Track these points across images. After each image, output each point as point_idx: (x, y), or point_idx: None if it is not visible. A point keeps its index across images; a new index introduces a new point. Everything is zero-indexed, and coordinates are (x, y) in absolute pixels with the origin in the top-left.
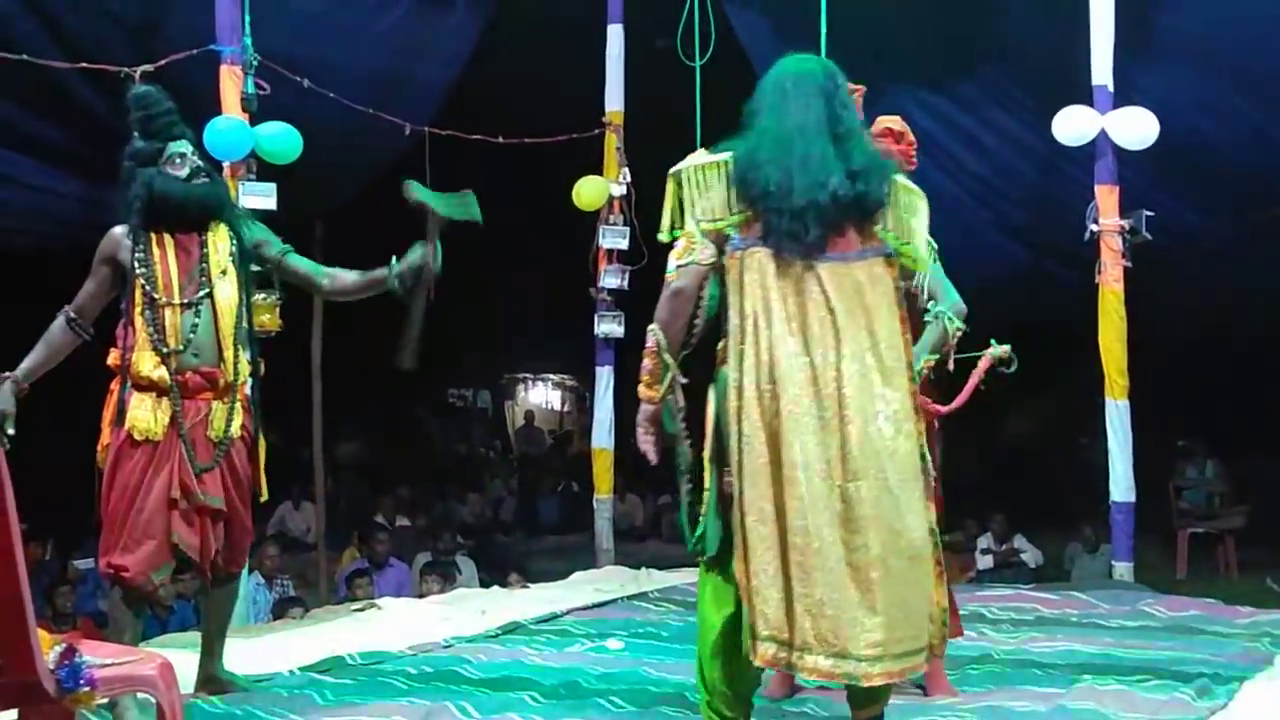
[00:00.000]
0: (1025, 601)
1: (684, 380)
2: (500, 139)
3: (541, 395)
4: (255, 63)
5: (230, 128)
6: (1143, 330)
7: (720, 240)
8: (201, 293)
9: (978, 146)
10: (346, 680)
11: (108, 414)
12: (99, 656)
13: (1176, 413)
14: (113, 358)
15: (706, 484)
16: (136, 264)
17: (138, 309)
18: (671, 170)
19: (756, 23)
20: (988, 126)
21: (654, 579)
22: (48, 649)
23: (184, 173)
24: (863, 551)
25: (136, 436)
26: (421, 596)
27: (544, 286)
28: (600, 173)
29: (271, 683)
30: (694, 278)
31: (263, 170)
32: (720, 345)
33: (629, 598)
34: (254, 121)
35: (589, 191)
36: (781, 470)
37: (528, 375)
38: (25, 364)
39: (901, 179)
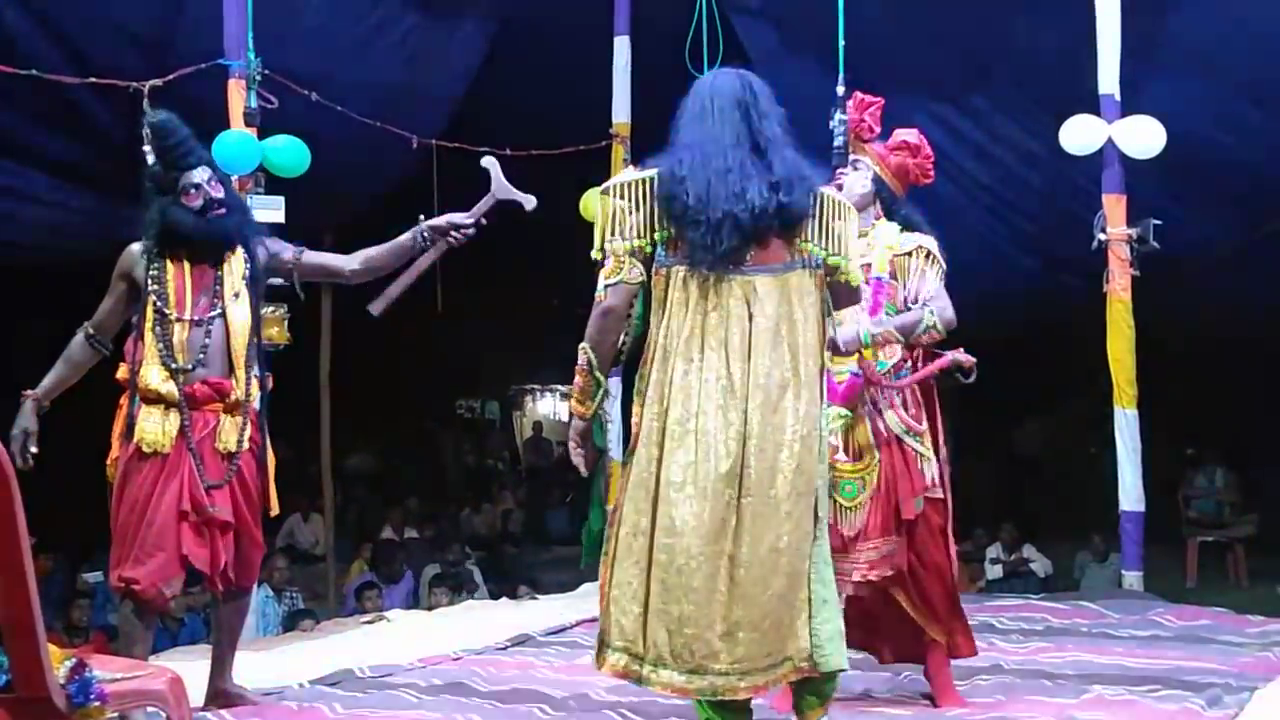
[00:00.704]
0: (1034, 611)
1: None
2: (508, 151)
3: (550, 406)
4: (258, 77)
5: (238, 141)
6: (1151, 339)
7: (647, 258)
8: (214, 312)
9: (986, 157)
10: (356, 693)
11: (117, 428)
12: (109, 671)
13: (1186, 421)
14: (122, 372)
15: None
16: (150, 281)
17: (148, 324)
18: (601, 188)
19: (763, 33)
20: (996, 137)
21: None
22: (58, 664)
23: (198, 204)
24: (744, 568)
25: (145, 449)
26: (430, 609)
27: (551, 298)
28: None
29: (281, 696)
30: (623, 296)
31: (271, 183)
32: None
33: None
34: (262, 135)
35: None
36: (659, 487)
37: (536, 386)
38: (46, 382)
39: (830, 190)
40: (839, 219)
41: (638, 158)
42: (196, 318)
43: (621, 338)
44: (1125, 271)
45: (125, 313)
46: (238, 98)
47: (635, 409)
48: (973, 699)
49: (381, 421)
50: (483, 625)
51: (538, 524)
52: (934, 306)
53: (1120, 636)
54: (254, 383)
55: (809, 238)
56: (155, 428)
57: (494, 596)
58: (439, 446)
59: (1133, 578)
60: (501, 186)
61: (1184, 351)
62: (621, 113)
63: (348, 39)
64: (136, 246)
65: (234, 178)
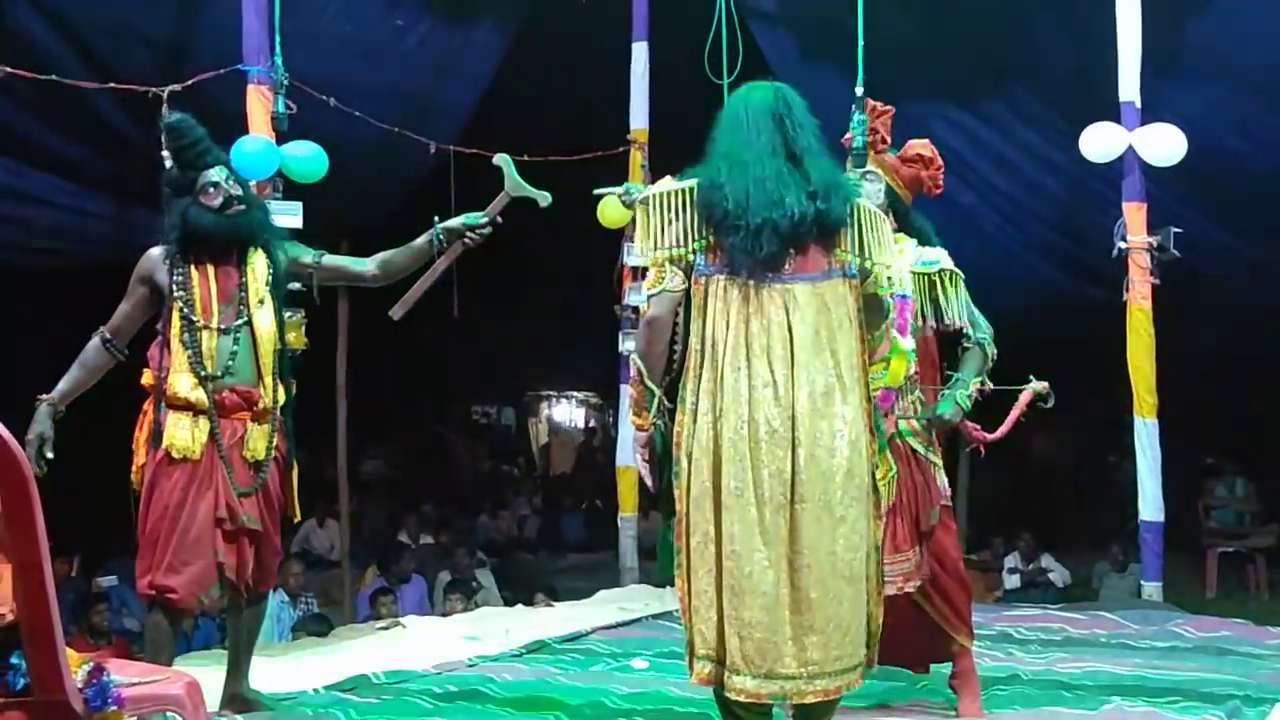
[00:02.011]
0: (1053, 621)
1: (670, 406)
2: (525, 157)
3: (565, 413)
4: (285, 82)
5: (257, 147)
6: (1171, 348)
7: (687, 267)
8: (240, 320)
9: (1006, 164)
10: (371, 699)
11: (141, 435)
12: (126, 675)
13: (1205, 431)
14: (147, 378)
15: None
16: (175, 287)
17: (175, 331)
18: (639, 198)
19: (782, 40)
20: (1015, 144)
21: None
22: (76, 668)
23: (217, 202)
24: (804, 572)
25: (175, 455)
26: (445, 615)
27: (568, 304)
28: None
29: (296, 701)
30: (667, 305)
31: (289, 189)
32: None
33: (653, 616)
34: (281, 140)
35: (613, 210)
36: (719, 495)
37: (551, 393)
38: (61, 386)
39: (864, 200)
40: (874, 229)
41: (655, 163)
42: (224, 325)
43: (671, 346)
44: (1145, 280)
45: (142, 318)
46: (256, 103)
47: (680, 417)
48: (991, 709)
49: (397, 427)
50: (498, 632)
51: (553, 530)
52: (983, 335)
53: (1139, 647)
54: (280, 390)
55: (846, 247)
56: (185, 434)
57: (509, 603)
58: (454, 452)
59: (1152, 588)
60: (515, 184)
61: (1204, 360)
62: (640, 119)
63: (365, 45)
64: (157, 251)
65: (252, 183)
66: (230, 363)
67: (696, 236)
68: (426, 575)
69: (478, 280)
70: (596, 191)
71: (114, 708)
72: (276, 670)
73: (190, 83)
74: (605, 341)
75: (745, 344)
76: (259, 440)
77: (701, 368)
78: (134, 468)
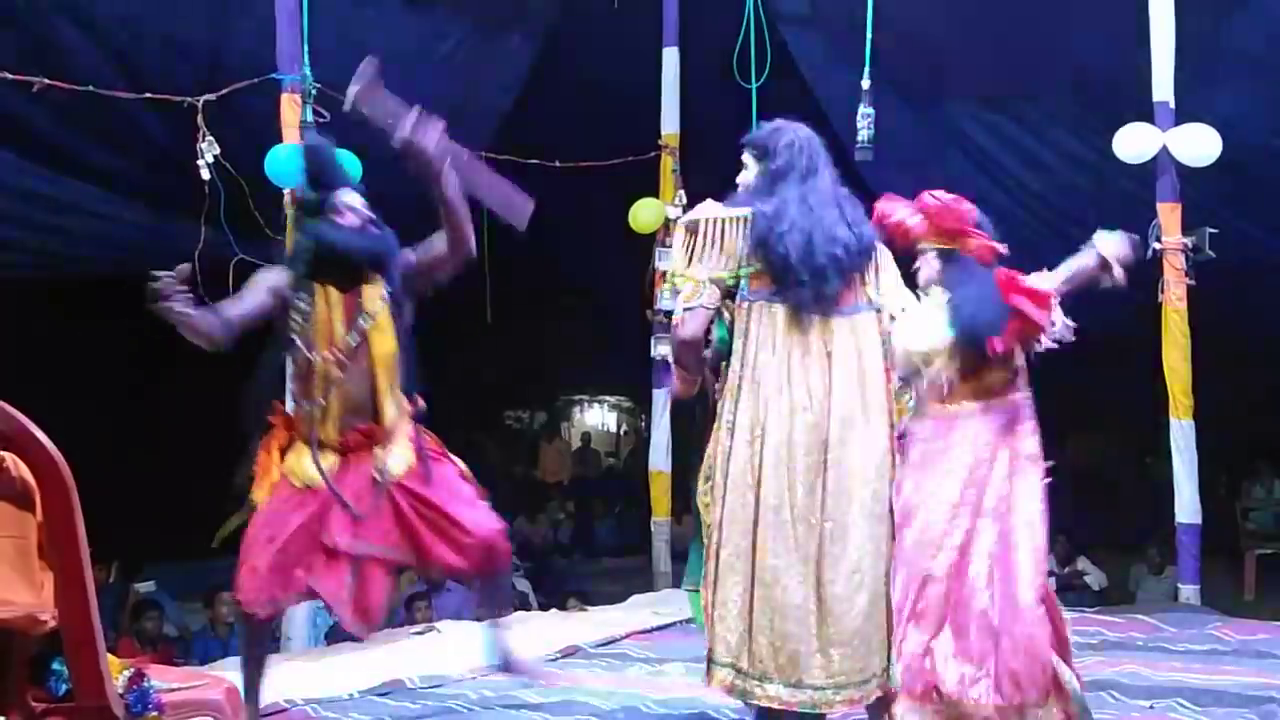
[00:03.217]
0: (1090, 625)
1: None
2: (557, 163)
3: (598, 417)
4: (314, 91)
5: (291, 154)
6: (1207, 349)
7: (727, 290)
8: (356, 346)
9: (1039, 165)
10: (407, 704)
11: (265, 457)
12: (166, 681)
13: (1243, 432)
14: (276, 411)
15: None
16: (299, 315)
17: (297, 362)
18: (684, 220)
19: (812, 44)
20: (1048, 145)
21: None
22: (116, 674)
23: (353, 223)
24: (830, 587)
25: (295, 483)
26: (480, 620)
27: (600, 309)
28: (657, 195)
29: (332, 706)
30: (700, 321)
31: None
32: (718, 388)
33: (687, 621)
34: None
35: (645, 214)
36: (758, 511)
37: (584, 397)
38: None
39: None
40: (885, 268)
41: (687, 168)
42: (341, 355)
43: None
44: (1180, 280)
45: (256, 321)
46: (290, 111)
47: (717, 433)
48: None
49: (430, 431)
50: (532, 637)
51: (586, 535)
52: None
53: (1177, 650)
54: (399, 411)
55: (868, 281)
56: (308, 466)
57: (543, 608)
58: (487, 457)
59: (1189, 591)
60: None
61: (1240, 361)
62: (670, 124)
63: (398, 53)
64: (284, 273)
65: (286, 191)
66: (348, 389)
67: (746, 264)
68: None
69: (511, 285)
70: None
71: (154, 713)
72: (312, 674)
73: (225, 91)
74: (638, 346)
75: (788, 369)
76: (386, 462)
77: (741, 389)
78: (255, 488)
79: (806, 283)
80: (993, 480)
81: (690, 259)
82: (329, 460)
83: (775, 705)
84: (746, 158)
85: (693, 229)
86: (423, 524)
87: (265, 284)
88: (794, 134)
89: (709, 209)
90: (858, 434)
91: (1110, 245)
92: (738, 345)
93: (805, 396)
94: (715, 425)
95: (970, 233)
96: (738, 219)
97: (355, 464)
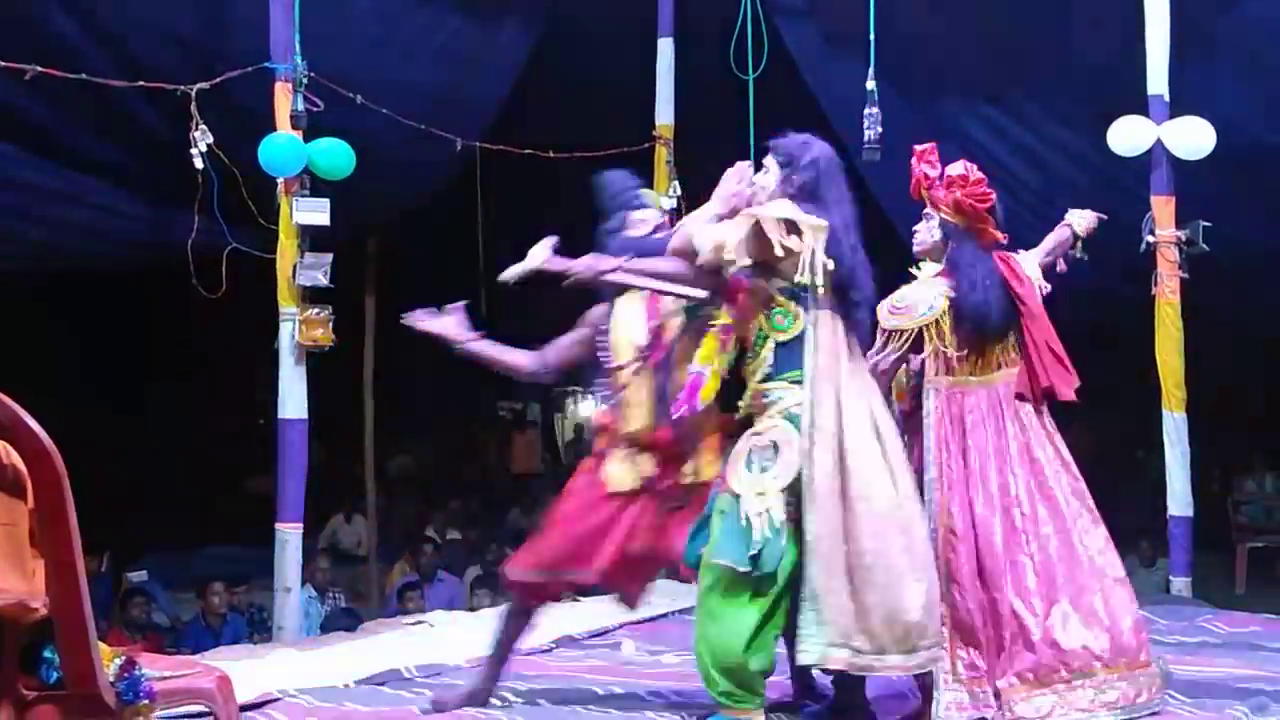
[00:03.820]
0: None
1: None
2: (551, 153)
3: (591, 409)
4: (305, 80)
5: (284, 144)
6: (1200, 342)
7: (791, 292)
8: (664, 356)
9: (1035, 160)
10: (403, 692)
11: (586, 463)
12: (158, 669)
13: (1235, 426)
14: (597, 416)
15: (767, 507)
16: (604, 328)
17: (605, 369)
18: (773, 212)
19: (808, 36)
20: (1044, 140)
21: None
22: (108, 662)
23: (644, 231)
24: (918, 556)
25: (609, 488)
26: (473, 610)
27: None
28: (651, 186)
29: (327, 695)
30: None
31: (316, 186)
32: (773, 387)
33: (680, 611)
34: (308, 138)
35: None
36: (848, 501)
37: (577, 389)
38: (482, 346)
39: None
40: None
41: (681, 159)
42: (641, 356)
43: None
44: (1174, 274)
45: (573, 352)
46: (284, 101)
47: (780, 423)
48: None
49: (424, 423)
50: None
51: None
52: None
53: (1168, 643)
54: (712, 415)
55: None
56: (621, 471)
57: None
58: (481, 448)
59: (1181, 583)
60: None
61: (1233, 355)
62: (665, 114)
63: (392, 42)
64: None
65: (279, 180)
66: (647, 391)
67: (821, 275)
68: (454, 571)
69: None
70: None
71: (145, 701)
72: (307, 664)
73: (219, 80)
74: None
75: (850, 376)
76: (696, 466)
77: (816, 391)
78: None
79: (865, 298)
80: (1009, 453)
81: (764, 251)
82: (644, 463)
83: (896, 674)
84: (770, 161)
85: (794, 229)
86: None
87: (583, 320)
88: (821, 152)
89: (783, 208)
90: (886, 424)
91: (1081, 220)
92: (809, 346)
93: (867, 391)
94: (786, 419)
95: (983, 217)
96: (819, 228)
97: (671, 469)
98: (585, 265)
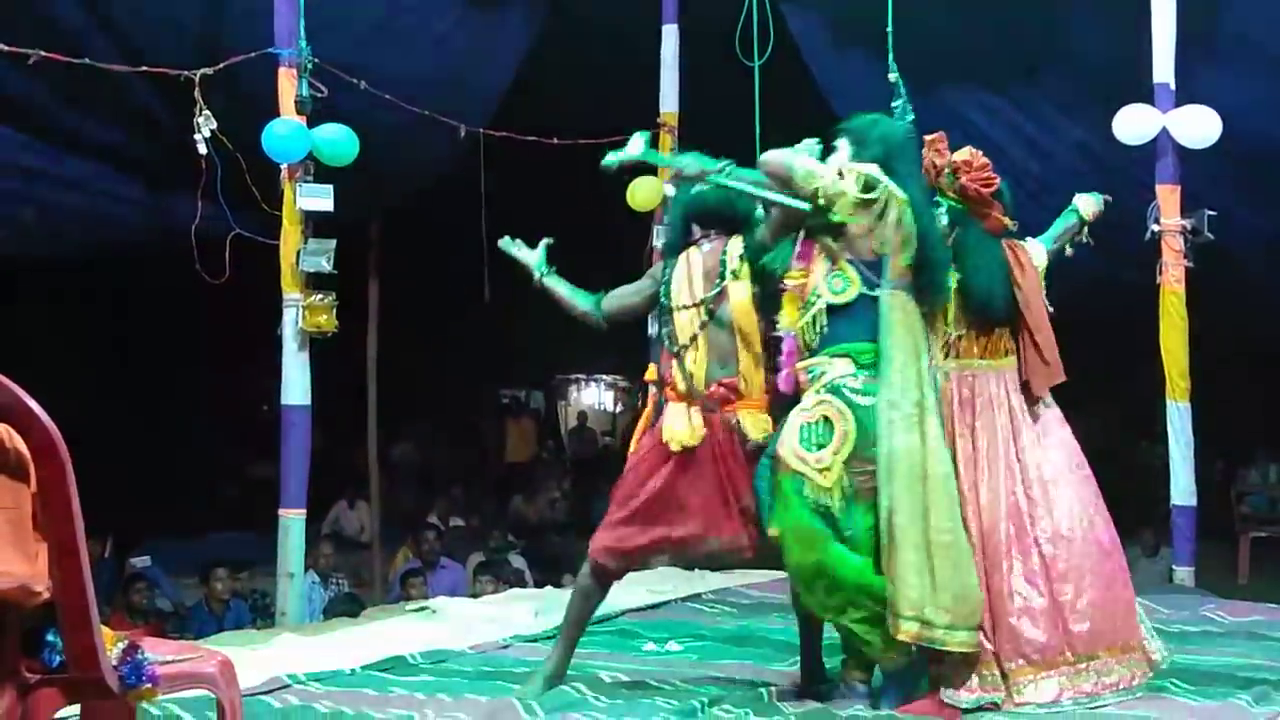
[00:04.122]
0: None
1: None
2: (555, 140)
3: (594, 396)
4: (310, 66)
5: (288, 130)
6: (1205, 331)
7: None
8: (713, 292)
9: (1039, 149)
10: (408, 678)
11: (641, 425)
12: (161, 653)
13: (1239, 416)
14: (650, 373)
15: (834, 480)
16: (663, 280)
17: (661, 318)
18: (868, 173)
19: (814, 24)
20: (1049, 129)
21: (708, 580)
22: (111, 646)
23: (701, 187)
24: (971, 538)
25: (674, 448)
26: (475, 596)
27: (598, 288)
28: (655, 174)
29: (332, 680)
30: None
31: (320, 172)
32: (818, 361)
33: (683, 599)
34: (311, 124)
35: (643, 192)
36: (929, 479)
37: (580, 376)
38: (558, 285)
39: None
40: None
41: (686, 147)
42: (696, 301)
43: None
44: (1179, 263)
45: (633, 300)
46: (288, 86)
47: (855, 399)
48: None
49: (427, 410)
50: (528, 613)
51: (583, 514)
52: None
53: (1171, 632)
54: (759, 370)
55: None
56: (684, 428)
57: (539, 585)
58: (483, 435)
59: (1184, 573)
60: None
61: (1237, 344)
62: (669, 102)
63: (396, 28)
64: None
65: (283, 166)
66: (699, 334)
67: (899, 250)
68: (456, 557)
69: (509, 264)
70: (621, 157)
71: (148, 685)
72: (312, 649)
73: (222, 66)
74: (634, 326)
75: (928, 354)
76: (752, 424)
77: (891, 369)
78: (630, 453)
79: (939, 280)
80: (1017, 437)
81: (848, 212)
82: (698, 419)
83: (965, 649)
84: (842, 142)
85: (871, 187)
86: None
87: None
88: (890, 128)
89: (867, 166)
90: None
91: (1088, 206)
92: (884, 327)
93: (929, 383)
94: (863, 394)
95: (988, 202)
96: (901, 199)
97: (726, 424)
98: (691, 163)
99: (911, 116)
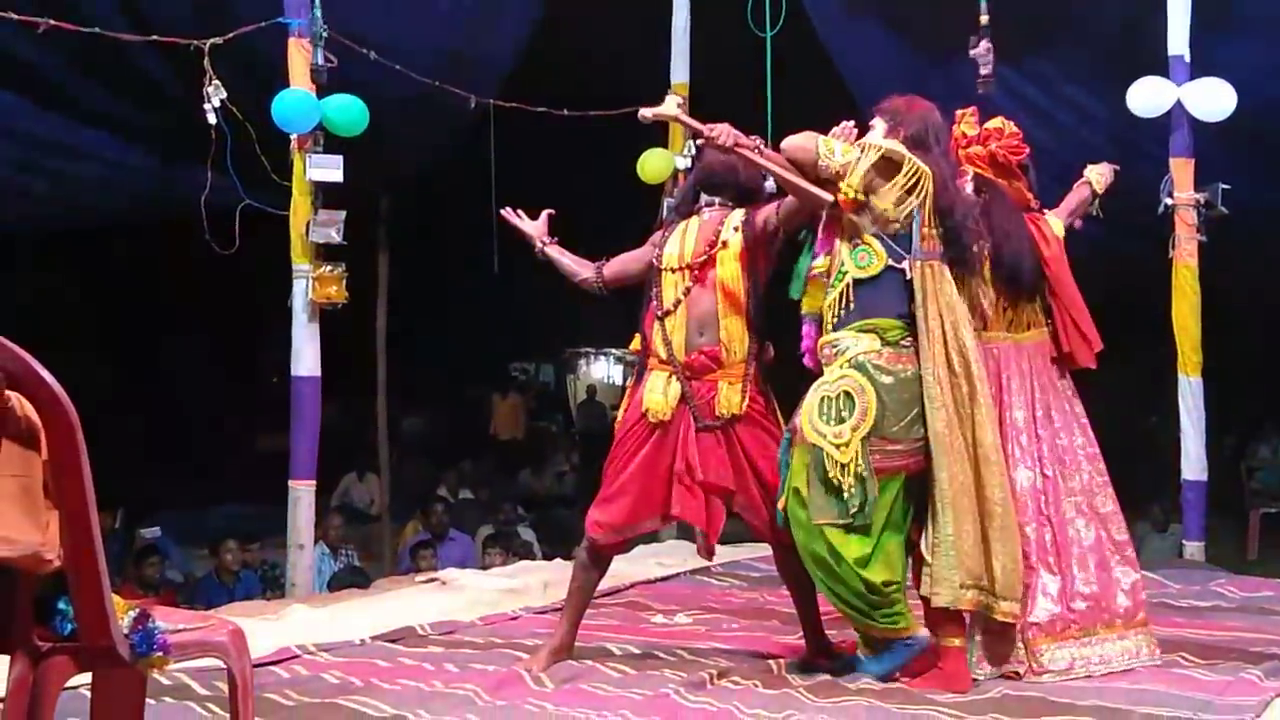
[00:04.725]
0: None
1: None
2: (565, 112)
3: (604, 370)
4: (324, 34)
5: (298, 100)
6: (1217, 306)
7: (893, 232)
8: (700, 259)
9: (1052, 122)
10: (418, 649)
11: (630, 394)
12: (172, 622)
13: (1251, 392)
14: (635, 343)
15: (851, 458)
16: (661, 237)
17: (650, 281)
18: (891, 148)
19: None
20: (1062, 101)
21: (717, 554)
22: (122, 614)
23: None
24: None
25: (650, 419)
26: (485, 568)
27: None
28: (665, 145)
29: (342, 651)
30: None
31: (330, 142)
32: (841, 336)
33: (692, 572)
34: (321, 94)
35: (653, 164)
36: (978, 450)
37: (590, 350)
38: (562, 255)
39: None
40: None
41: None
42: (684, 265)
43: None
44: (1192, 237)
45: (631, 266)
46: (298, 56)
47: (897, 369)
48: None
49: (437, 383)
50: (537, 585)
51: (592, 487)
52: None
53: (1181, 607)
54: (742, 340)
55: None
56: (659, 398)
57: (548, 558)
58: (493, 409)
59: (1194, 548)
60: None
61: (1250, 319)
62: (680, 73)
63: (405, 1)
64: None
65: (293, 136)
66: (682, 298)
67: (927, 223)
68: (465, 530)
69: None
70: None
71: (159, 653)
72: (321, 621)
73: (232, 35)
74: (643, 298)
75: (968, 325)
76: (728, 396)
77: (931, 342)
78: (618, 423)
79: (968, 253)
80: (1037, 412)
81: (868, 184)
82: (675, 389)
83: (1010, 619)
84: (877, 120)
85: (896, 159)
86: (740, 466)
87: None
88: (926, 106)
89: (905, 150)
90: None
91: (1099, 177)
92: (919, 300)
93: (973, 350)
94: (868, 377)
95: (1015, 172)
96: (927, 175)
97: (704, 393)
98: (726, 132)
99: (992, 67)
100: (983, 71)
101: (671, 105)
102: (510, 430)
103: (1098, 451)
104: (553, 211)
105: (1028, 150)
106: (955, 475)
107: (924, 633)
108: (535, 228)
